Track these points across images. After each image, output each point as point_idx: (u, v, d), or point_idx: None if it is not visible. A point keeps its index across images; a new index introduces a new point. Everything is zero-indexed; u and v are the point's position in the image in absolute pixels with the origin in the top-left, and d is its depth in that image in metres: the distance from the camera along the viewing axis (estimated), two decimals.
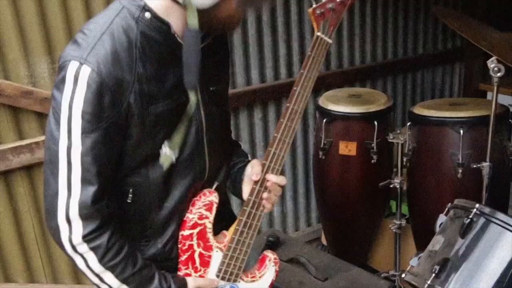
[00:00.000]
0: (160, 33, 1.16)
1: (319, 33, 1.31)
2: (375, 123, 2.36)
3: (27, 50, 2.07)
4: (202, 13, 1.13)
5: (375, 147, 2.38)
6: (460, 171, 2.18)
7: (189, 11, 1.12)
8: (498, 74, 1.87)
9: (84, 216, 1.16)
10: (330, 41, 1.32)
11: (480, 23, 2.06)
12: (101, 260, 1.19)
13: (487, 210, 1.65)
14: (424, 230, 2.34)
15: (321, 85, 2.99)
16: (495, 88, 1.92)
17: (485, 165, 2.02)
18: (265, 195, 1.31)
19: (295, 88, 1.30)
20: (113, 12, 1.15)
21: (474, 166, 2.08)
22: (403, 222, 2.49)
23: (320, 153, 2.48)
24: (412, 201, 2.48)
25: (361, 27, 3.12)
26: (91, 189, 1.14)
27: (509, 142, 2.27)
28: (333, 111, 2.45)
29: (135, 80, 1.13)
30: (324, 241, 2.94)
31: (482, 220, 1.64)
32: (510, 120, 2.26)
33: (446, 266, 1.62)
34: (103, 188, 1.16)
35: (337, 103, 2.47)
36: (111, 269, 1.21)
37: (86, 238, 1.17)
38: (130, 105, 1.13)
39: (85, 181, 1.14)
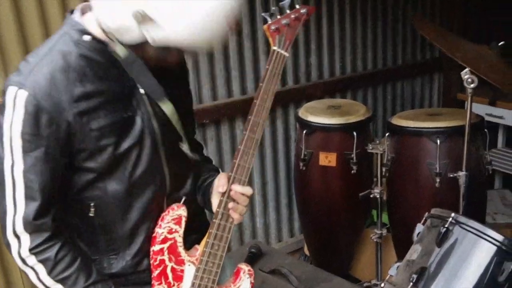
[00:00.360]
0: (100, 53, 1.21)
1: (275, 47, 1.35)
2: (354, 134, 2.39)
3: (5, 64, 2.07)
4: (131, 47, 1.19)
5: (354, 158, 2.41)
6: (437, 180, 2.21)
7: (116, 44, 1.19)
8: (472, 85, 1.91)
9: (30, 231, 1.21)
10: (286, 54, 1.36)
11: (455, 35, 2.11)
12: (50, 272, 1.24)
13: (462, 219, 1.67)
14: (404, 239, 2.34)
15: (302, 96, 3.02)
16: (469, 98, 1.97)
17: (461, 174, 2.06)
18: (231, 205, 1.33)
19: (255, 101, 1.34)
20: (55, 39, 1.23)
21: (451, 175, 2.12)
22: (384, 231, 2.51)
23: (301, 164, 2.50)
24: (392, 211, 2.50)
25: (340, 39, 3.16)
26: (34, 205, 1.20)
27: (485, 151, 2.31)
28: (312, 122, 2.47)
29: (72, 100, 1.18)
30: (307, 251, 2.95)
31: (457, 229, 1.66)
32: (485, 130, 2.30)
33: (424, 275, 1.64)
34: (46, 203, 1.21)
35: (317, 115, 2.50)
36: (62, 282, 1.25)
37: (33, 251, 1.22)
38: (70, 124, 1.18)
39: (28, 197, 1.19)
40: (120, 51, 1.20)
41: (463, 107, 3.33)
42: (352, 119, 2.45)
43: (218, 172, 1.53)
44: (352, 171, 2.43)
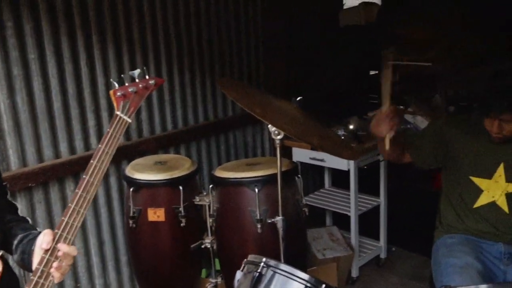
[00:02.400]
0: None
1: (118, 112, 1.43)
2: (180, 188, 2.46)
3: None
4: None
5: (182, 211, 2.47)
6: (259, 226, 2.36)
7: None
8: (278, 137, 2.08)
9: None
10: (129, 120, 1.44)
11: (262, 93, 2.30)
12: None
13: (272, 262, 1.79)
14: None
15: (135, 153, 3.03)
16: (278, 148, 2.13)
17: (278, 219, 2.20)
18: (55, 264, 1.32)
19: (92, 161, 1.39)
20: None
21: (270, 220, 2.27)
22: (219, 280, 2.59)
23: (130, 221, 2.51)
24: (222, 259, 2.59)
25: (170, 94, 3.25)
26: None
27: (301, 196, 2.51)
28: (138, 179, 2.51)
29: None
30: None
31: (269, 272, 1.77)
32: (299, 176, 2.51)
33: None
34: None
35: (143, 172, 2.54)
36: None
37: None
38: None
39: None
40: None
41: (291, 153, 3.59)
42: (177, 173, 2.52)
43: (36, 230, 1.51)
44: (182, 224, 2.48)
